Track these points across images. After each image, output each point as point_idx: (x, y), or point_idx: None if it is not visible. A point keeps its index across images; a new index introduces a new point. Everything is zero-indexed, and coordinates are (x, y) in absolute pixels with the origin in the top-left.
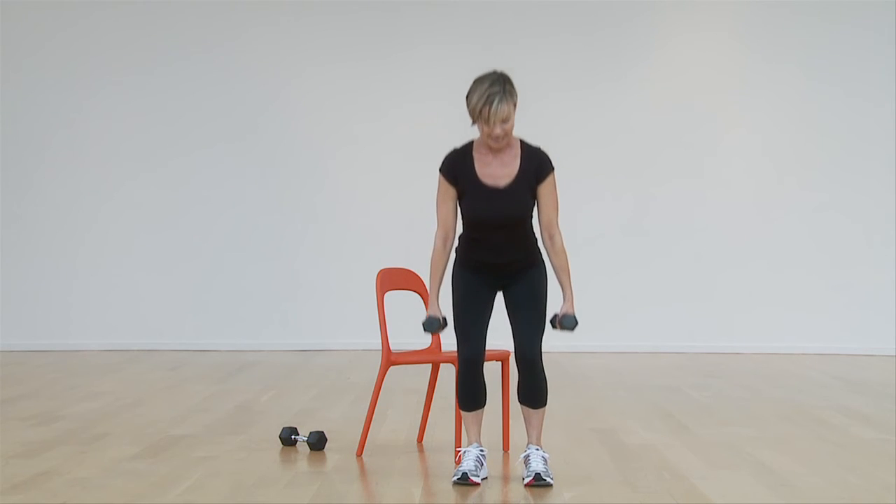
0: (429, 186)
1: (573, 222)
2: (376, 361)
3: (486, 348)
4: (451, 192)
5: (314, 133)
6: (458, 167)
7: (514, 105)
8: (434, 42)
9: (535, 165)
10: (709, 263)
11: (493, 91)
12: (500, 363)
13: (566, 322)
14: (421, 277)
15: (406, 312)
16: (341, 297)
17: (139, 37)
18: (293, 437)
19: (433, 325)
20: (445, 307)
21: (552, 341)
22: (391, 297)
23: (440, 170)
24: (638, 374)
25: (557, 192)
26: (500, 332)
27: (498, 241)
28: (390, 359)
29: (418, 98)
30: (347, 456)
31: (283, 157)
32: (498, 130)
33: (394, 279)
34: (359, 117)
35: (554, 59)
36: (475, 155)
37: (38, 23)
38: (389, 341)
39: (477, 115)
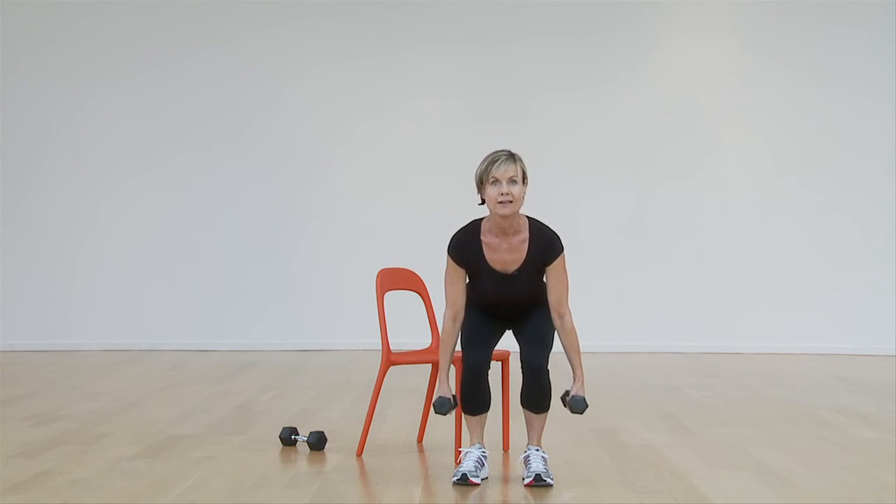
0: (429, 186)
1: (573, 222)
2: (376, 361)
3: (487, 371)
4: (460, 273)
5: (314, 133)
6: (466, 251)
7: (524, 175)
8: (434, 42)
9: (544, 250)
10: (709, 263)
11: (498, 154)
12: (500, 363)
13: (576, 405)
14: (420, 278)
15: (406, 312)
16: (341, 297)
17: (139, 37)
18: (293, 437)
19: (444, 407)
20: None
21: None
22: (391, 297)
23: (448, 252)
24: (638, 374)
25: (567, 273)
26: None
27: (506, 310)
28: (390, 359)
29: (418, 98)
30: (347, 456)
31: (283, 157)
32: (505, 188)
33: (394, 279)
34: (359, 117)
35: (554, 58)
36: (483, 238)
37: (38, 23)
38: (389, 341)
39: (484, 180)
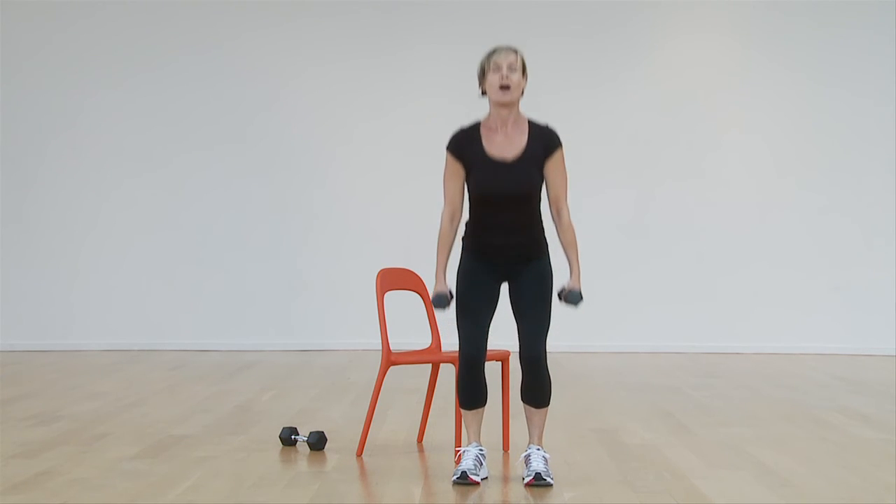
0: (429, 186)
1: (574, 222)
2: (376, 361)
3: (487, 348)
4: (458, 169)
5: (314, 133)
6: (464, 144)
7: (524, 65)
8: (434, 42)
9: (544, 141)
10: (709, 263)
11: (499, 46)
12: (500, 363)
13: (571, 297)
14: (421, 277)
15: (406, 312)
16: (341, 297)
17: (139, 37)
18: (293, 437)
19: (442, 302)
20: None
21: (553, 342)
22: (391, 297)
23: (447, 147)
24: (638, 374)
25: (566, 168)
26: (500, 333)
27: (505, 220)
28: (390, 359)
29: (418, 98)
30: (347, 456)
31: (283, 157)
32: (505, 71)
33: (394, 279)
34: (359, 117)
35: (554, 58)
36: (483, 132)
37: (39, 23)
38: (389, 341)
39: (487, 69)
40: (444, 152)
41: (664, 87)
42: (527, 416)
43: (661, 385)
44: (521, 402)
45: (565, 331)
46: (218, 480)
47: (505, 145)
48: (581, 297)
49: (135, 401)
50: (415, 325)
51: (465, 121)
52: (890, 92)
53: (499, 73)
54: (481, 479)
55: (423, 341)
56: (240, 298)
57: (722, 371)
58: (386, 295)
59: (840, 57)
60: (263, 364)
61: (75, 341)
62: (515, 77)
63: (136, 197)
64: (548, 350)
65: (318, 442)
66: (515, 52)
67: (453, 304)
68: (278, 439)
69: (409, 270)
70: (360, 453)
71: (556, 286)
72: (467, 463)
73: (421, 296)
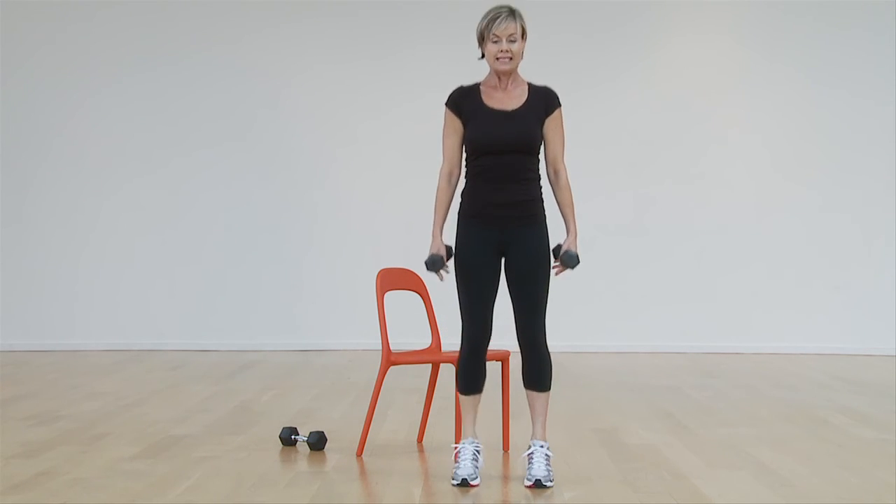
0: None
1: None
2: (376, 361)
3: (486, 348)
4: (456, 124)
5: (314, 133)
6: (463, 99)
7: (523, 32)
8: (434, 42)
9: (545, 100)
10: (709, 264)
11: (500, 10)
12: (500, 363)
13: (567, 259)
14: (421, 277)
15: (406, 312)
16: (341, 297)
17: (140, 37)
18: (293, 437)
19: (437, 264)
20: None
21: (553, 342)
22: (391, 297)
23: (446, 103)
24: (638, 374)
25: (564, 129)
26: (500, 332)
27: (504, 173)
28: (390, 359)
29: (419, 97)
30: (347, 456)
31: (284, 157)
32: (505, 45)
33: (394, 279)
34: (359, 117)
35: (554, 58)
36: (482, 89)
37: (39, 23)
38: (389, 341)
39: (486, 35)
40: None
41: (664, 87)
42: (529, 404)
43: (661, 385)
44: (524, 389)
45: (565, 331)
46: (218, 480)
47: (505, 99)
48: (577, 260)
49: (135, 401)
50: (415, 325)
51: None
52: (890, 92)
53: (499, 44)
54: (479, 481)
55: (423, 341)
56: (240, 298)
57: (722, 371)
58: (386, 295)
59: (840, 57)
60: (263, 364)
61: (75, 341)
62: (516, 46)
63: (137, 197)
64: (546, 332)
65: (318, 442)
66: (514, 18)
67: (451, 284)
68: (278, 439)
69: (409, 270)
70: (360, 453)
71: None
72: (466, 467)
73: (421, 296)
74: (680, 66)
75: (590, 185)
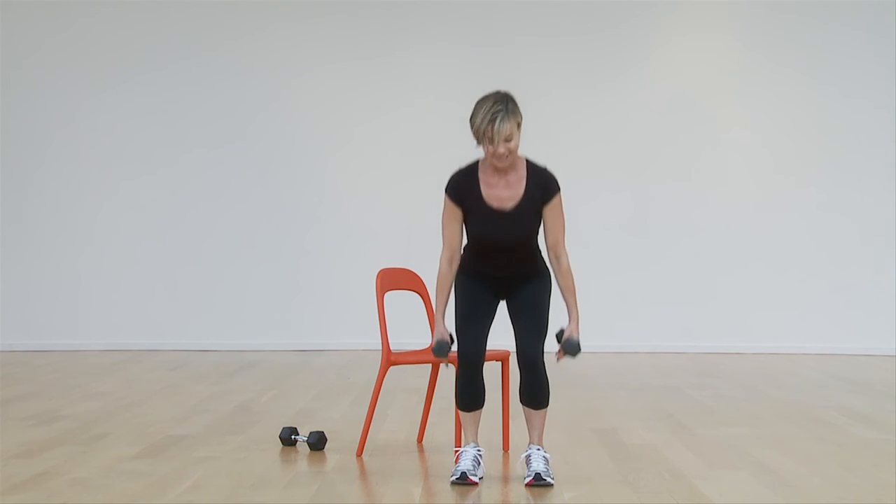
0: (429, 186)
1: (573, 222)
2: (376, 361)
3: (487, 348)
4: (457, 213)
5: (314, 133)
6: (463, 189)
7: (519, 124)
8: (433, 42)
9: (541, 188)
10: (709, 263)
11: (496, 110)
12: (500, 363)
13: (569, 347)
14: (420, 277)
15: (406, 312)
16: (341, 297)
17: (139, 37)
18: (293, 437)
19: (444, 349)
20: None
21: (552, 342)
22: (391, 297)
23: (446, 191)
24: (638, 374)
25: (564, 212)
26: (500, 333)
27: (502, 258)
28: (390, 359)
29: (418, 97)
30: (347, 456)
31: (283, 158)
32: (502, 149)
33: (394, 279)
34: (358, 117)
35: (554, 58)
36: (480, 176)
37: (39, 23)
38: (389, 341)
39: (481, 136)
40: (443, 152)
41: (664, 87)
42: (526, 418)
43: (661, 385)
44: (521, 404)
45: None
46: (218, 480)
47: (503, 193)
48: (579, 348)
49: (135, 401)
50: (415, 325)
51: (466, 120)
52: (890, 92)
53: (493, 145)
54: (479, 479)
55: (423, 341)
56: (240, 298)
57: (722, 371)
58: (386, 295)
59: (840, 57)
60: (263, 364)
61: (75, 341)
62: (512, 143)
63: (137, 197)
64: (546, 350)
65: (318, 442)
66: (509, 118)
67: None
68: (278, 439)
69: (409, 270)
70: (360, 453)
71: (554, 327)
72: (466, 463)
73: (421, 296)
74: (680, 66)
75: (590, 184)
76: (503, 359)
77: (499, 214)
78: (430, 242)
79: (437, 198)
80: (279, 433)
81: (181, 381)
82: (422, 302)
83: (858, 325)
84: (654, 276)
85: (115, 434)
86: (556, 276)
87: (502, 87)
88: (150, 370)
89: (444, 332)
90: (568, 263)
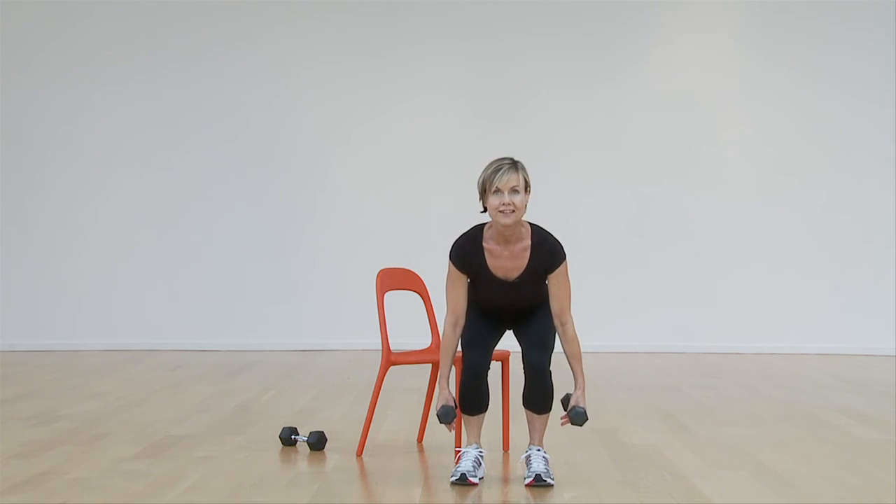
0: (429, 186)
1: (572, 222)
2: (376, 361)
3: (487, 372)
4: (462, 279)
5: (314, 133)
6: (468, 258)
7: (527, 185)
8: (433, 41)
9: (546, 259)
10: (709, 263)
11: (503, 163)
12: (500, 363)
13: (576, 418)
14: (420, 277)
15: (406, 312)
16: (341, 297)
17: (139, 37)
18: (293, 437)
19: (448, 416)
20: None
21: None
22: (391, 297)
23: (450, 258)
24: (638, 374)
25: (570, 280)
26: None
27: (507, 314)
28: (390, 359)
29: (417, 97)
30: (347, 456)
31: (283, 157)
32: (507, 198)
33: (394, 279)
34: (358, 117)
35: (554, 58)
36: (485, 245)
37: (39, 23)
38: (389, 341)
39: (487, 188)
40: (443, 151)
41: (664, 87)
42: (528, 420)
43: (661, 385)
44: (523, 407)
45: None
46: (218, 480)
47: (508, 263)
48: (586, 417)
49: (135, 401)
50: (415, 325)
51: (465, 120)
52: (890, 91)
53: (500, 196)
54: (479, 480)
55: (423, 341)
56: (240, 298)
57: (722, 371)
58: (386, 295)
59: (840, 57)
60: (263, 364)
61: (75, 341)
62: (518, 199)
63: (136, 197)
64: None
65: (318, 442)
66: (517, 170)
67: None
68: (278, 439)
69: (409, 270)
70: (360, 453)
71: (559, 391)
72: (466, 464)
73: (421, 296)
74: (679, 66)
75: (589, 184)
76: (503, 359)
77: (504, 284)
78: (431, 242)
79: (438, 197)
80: (279, 433)
81: (181, 381)
82: (422, 302)
83: (858, 325)
84: (654, 276)
85: (115, 434)
86: (561, 342)
87: (502, 87)
88: (149, 370)
89: (448, 397)
90: (574, 330)
